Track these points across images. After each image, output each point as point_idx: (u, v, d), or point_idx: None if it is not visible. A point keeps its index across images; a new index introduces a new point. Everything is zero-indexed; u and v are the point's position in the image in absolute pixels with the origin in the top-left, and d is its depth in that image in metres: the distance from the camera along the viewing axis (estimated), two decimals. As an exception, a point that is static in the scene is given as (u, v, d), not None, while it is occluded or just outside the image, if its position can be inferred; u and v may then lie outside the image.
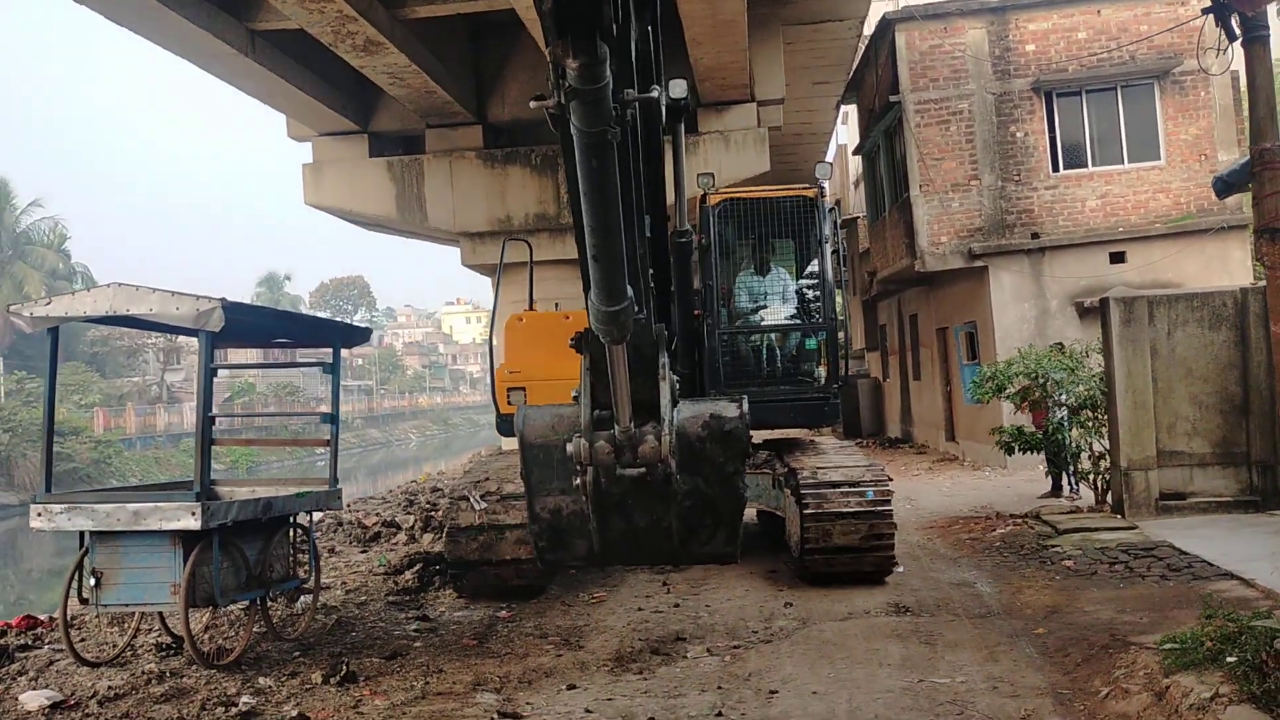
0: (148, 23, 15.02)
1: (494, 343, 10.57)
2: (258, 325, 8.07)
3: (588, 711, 6.01)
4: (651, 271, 4.85)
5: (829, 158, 32.09)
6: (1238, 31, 5.30)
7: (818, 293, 10.44)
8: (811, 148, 31.84)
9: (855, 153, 23.48)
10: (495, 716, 5.90)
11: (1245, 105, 17.34)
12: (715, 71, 17.42)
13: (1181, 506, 11.04)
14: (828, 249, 10.11)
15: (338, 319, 48.84)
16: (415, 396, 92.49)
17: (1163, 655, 5.94)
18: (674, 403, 4.96)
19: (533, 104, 3.26)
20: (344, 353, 8.53)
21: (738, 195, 10.58)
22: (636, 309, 4.18)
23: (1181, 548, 9.55)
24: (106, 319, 6.95)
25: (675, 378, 5.05)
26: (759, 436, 10.30)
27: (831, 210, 10.33)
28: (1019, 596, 8.55)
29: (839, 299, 10.43)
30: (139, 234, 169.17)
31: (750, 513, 11.07)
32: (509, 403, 9.84)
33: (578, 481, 4.82)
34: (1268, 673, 5.01)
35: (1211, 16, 10.11)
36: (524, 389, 9.78)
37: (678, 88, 6.23)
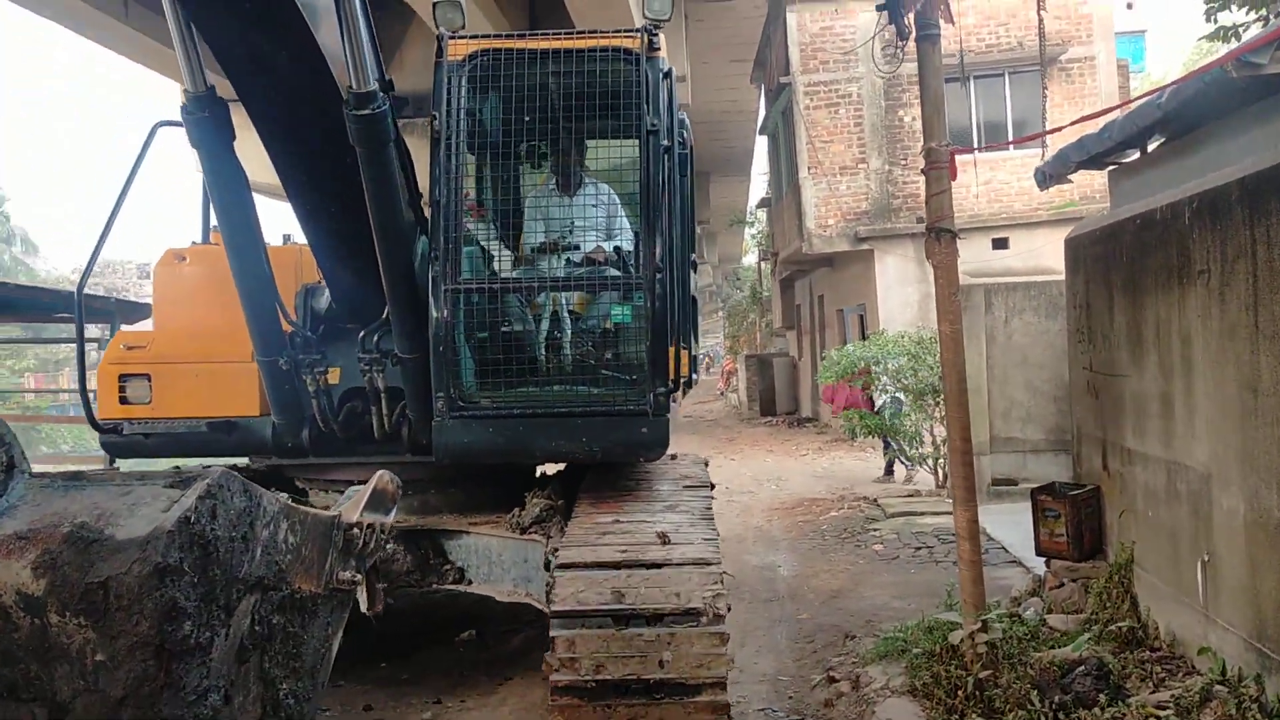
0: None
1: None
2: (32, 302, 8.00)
3: None
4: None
5: (758, 135, 31.98)
6: (910, 30, 5.33)
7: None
8: (740, 126, 31.79)
9: (761, 132, 23.49)
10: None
11: (1131, 93, 17.48)
12: (606, 48, 17.30)
13: (1012, 492, 11.15)
14: (658, 145, 5.31)
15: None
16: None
17: (875, 645, 6.05)
18: None
19: None
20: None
21: (505, 45, 5.41)
22: None
23: (991, 534, 9.69)
24: None
25: None
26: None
27: (667, 76, 5.47)
28: (812, 580, 8.66)
29: (681, 239, 5.82)
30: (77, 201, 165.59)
31: None
32: (122, 400, 5.70)
33: None
34: (937, 664, 5.09)
35: (1040, 12, 10.24)
36: (148, 376, 5.71)
37: None
